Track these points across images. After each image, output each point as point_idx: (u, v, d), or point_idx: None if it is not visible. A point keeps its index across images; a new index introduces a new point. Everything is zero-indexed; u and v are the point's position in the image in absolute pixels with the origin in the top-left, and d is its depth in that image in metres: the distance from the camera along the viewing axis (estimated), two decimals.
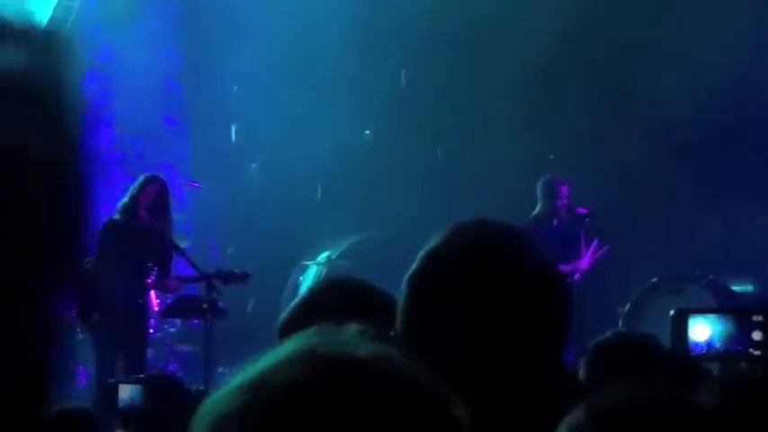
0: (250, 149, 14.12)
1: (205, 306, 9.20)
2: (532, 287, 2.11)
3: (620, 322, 10.68)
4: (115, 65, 13.70)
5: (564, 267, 10.38)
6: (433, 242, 2.15)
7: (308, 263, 12.53)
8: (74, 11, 12.90)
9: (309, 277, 12.04)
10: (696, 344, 3.35)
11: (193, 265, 9.47)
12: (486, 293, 2.07)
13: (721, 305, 9.86)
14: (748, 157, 11.99)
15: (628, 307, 10.90)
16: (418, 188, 12.19)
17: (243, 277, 9.54)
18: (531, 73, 12.16)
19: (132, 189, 9.46)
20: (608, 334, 4.07)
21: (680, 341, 3.39)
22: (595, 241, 10.55)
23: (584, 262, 10.49)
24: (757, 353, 3.16)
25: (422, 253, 2.15)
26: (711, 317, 3.30)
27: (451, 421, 1.20)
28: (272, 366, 1.17)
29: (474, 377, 2.03)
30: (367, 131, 13.69)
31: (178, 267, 9.90)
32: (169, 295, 10.17)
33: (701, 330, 3.33)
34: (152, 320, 10.18)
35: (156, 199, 9.36)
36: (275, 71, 13.17)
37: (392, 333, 2.13)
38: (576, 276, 10.50)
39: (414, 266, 2.14)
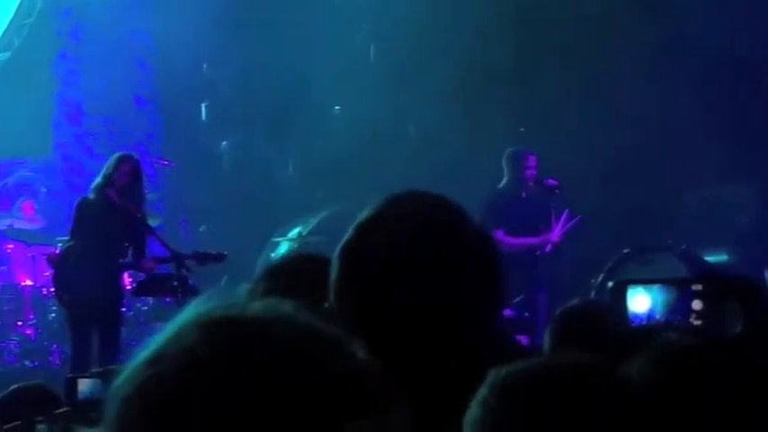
0: (221, 127, 14.09)
1: (176, 284, 9.15)
2: (466, 256, 2.07)
3: (593, 293, 10.59)
4: (85, 46, 13.66)
5: (535, 240, 10.34)
6: (365, 213, 2.10)
7: (280, 239, 12.50)
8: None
9: (281, 254, 12.02)
10: (636, 315, 3.35)
11: (165, 245, 9.43)
12: (419, 263, 2.02)
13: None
14: (725, 131, 11.97)
15: (600, 278, 10.84)
16: (391, 162, 12.17)
17: (218, 258, 9.47)
18: (504, 48, 12.17)
19: (106, 168, 9.37)
20: (573, 302, 4.06)
21: (619, 312, 3.40)
22: (565, 212, 10.39)
23: (555, 234, 10.31)
24: (698, 323, 3.17)
25: (353, 224, 2.10)
26: (652, 287, 3.29)
27: (354, 362, 1.17)
28: (169, 338, 1.17)
29: (409, 350, 2.02)
30: (337, 107, 13.66)
31: (151, 247, 9.88)
32: (141, 274, 10.15)
33: (642, 301, 3.32)
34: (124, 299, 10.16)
35: (129, 178, 9.29)
36: (244, 48, 13.14)
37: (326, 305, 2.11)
38: (548, 248, 10.38)
39: (345, 238, 2.09)
